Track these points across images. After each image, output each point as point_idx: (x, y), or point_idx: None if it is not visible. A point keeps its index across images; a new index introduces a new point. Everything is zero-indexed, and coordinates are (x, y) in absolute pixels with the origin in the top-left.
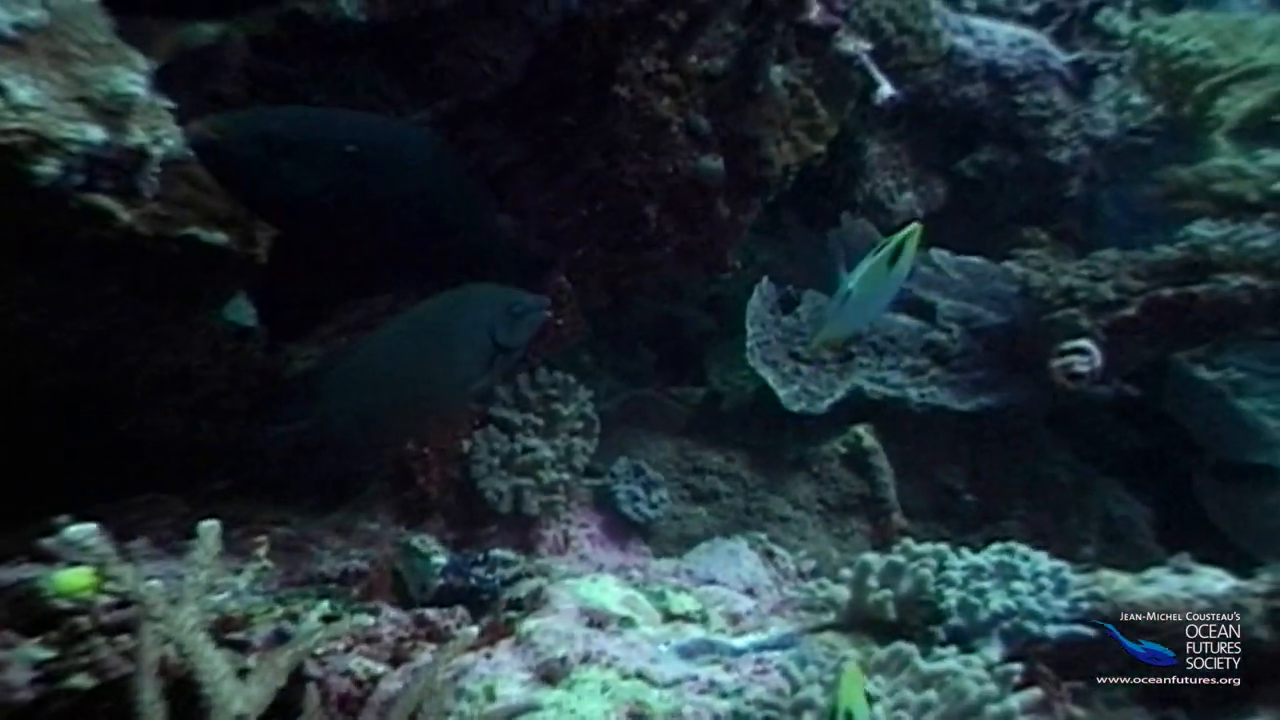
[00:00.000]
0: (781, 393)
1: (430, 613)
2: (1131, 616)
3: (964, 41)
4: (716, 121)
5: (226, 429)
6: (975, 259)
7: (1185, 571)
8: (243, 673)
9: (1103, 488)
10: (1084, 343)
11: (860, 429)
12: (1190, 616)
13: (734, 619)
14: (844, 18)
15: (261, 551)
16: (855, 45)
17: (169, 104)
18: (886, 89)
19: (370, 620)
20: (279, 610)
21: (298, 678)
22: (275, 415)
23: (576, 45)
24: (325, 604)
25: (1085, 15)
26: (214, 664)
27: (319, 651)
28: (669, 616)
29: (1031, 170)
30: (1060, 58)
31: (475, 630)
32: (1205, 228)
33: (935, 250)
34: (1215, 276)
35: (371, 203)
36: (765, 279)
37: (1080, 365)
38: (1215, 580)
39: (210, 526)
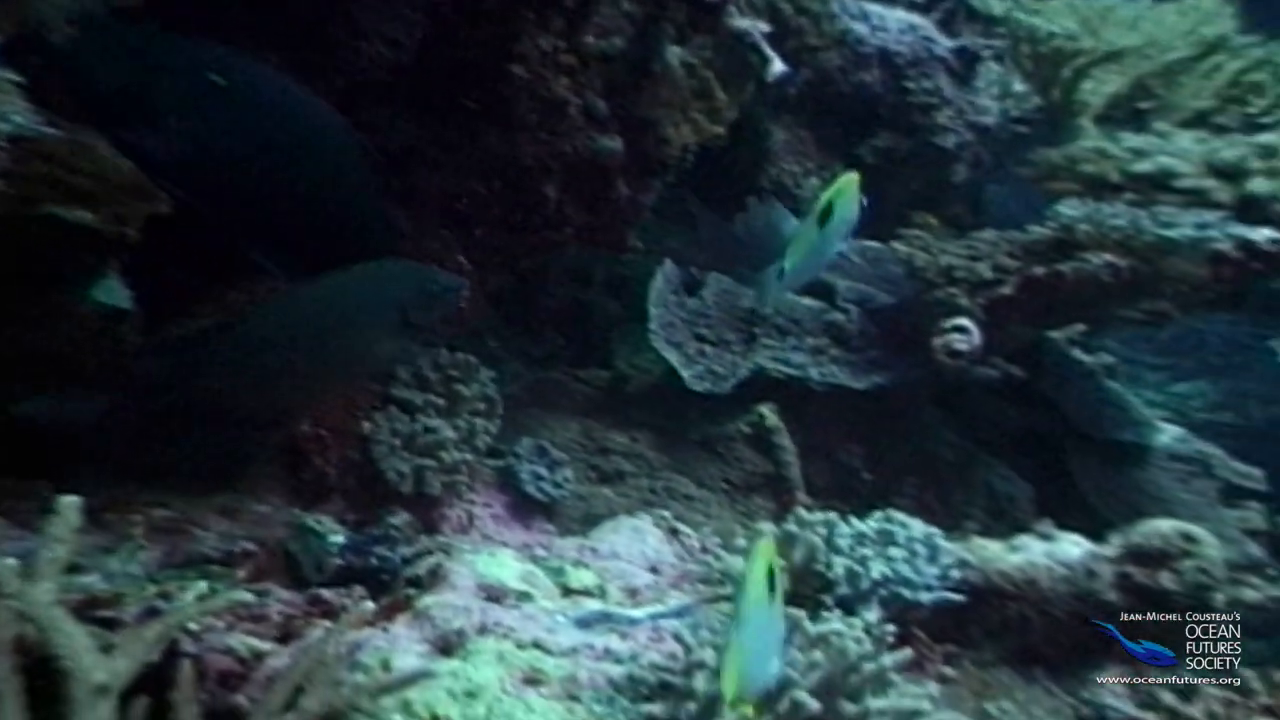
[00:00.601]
0: (685, 373)
1: (325, 592)
2: (998, 581)
3: (860, 27)
4: (614, 102)
5: (98, 411)
6: (873, 243)
7: (1048, 538)
8: (108, 648)
9: (986, 465)
10: (963, 320)
11: (764, 409)
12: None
13: (632, 592)
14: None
15: (136, 531)
16: (749, 23)
17: (16, 78)
18: (778, 65)
19: (249, 596)
20: (152, 590)
21: (172, 653)
22: (150, 382)
23: (474, 24)
24: (204, 584)
25: (968, 1)
26: (73, 637)
27: (194, 628)
28: (567, 591)
29: (922, 156)
30: (945, 44)
31: (371, 605)
32: (1070, 207)
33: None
34: (1080, 255)
35: (238, 148)
36: (668, 261)
37: (959, 343)
38: (1073, 546)
39: (71, 501)
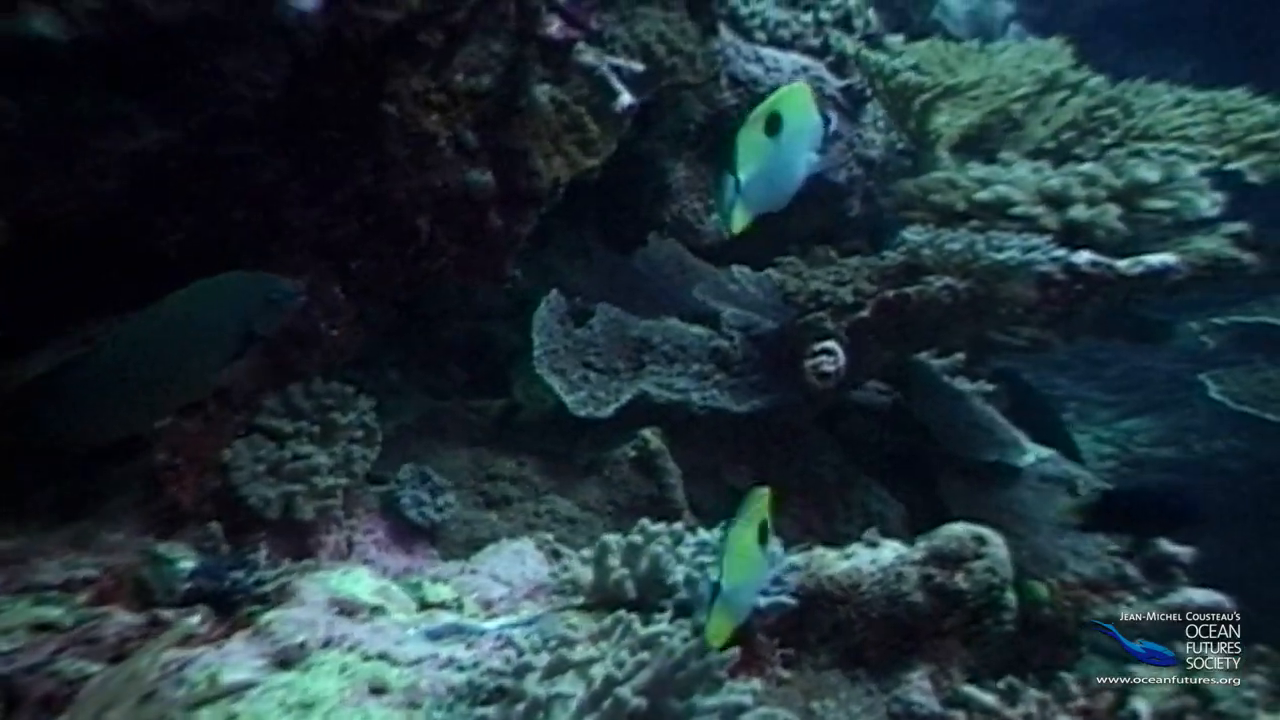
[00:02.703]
0: (568, 399)
1: (166, 613)
2: (828, 587)
3: (755, 69)
4: (484, 136)
5: None
6: (770, 272)
7: (874, 545)
8: None
9: (864, 485)
10: (830, 344)
11: (647, 432)
12: (867, 585)
13: (487, 605)
14: (596, 36)
15: None
16: (596, 59)
17: None
18: (625, 98)
19: (54, 613)
20: None
21: None
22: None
23: (339, 64)
24: (35, 610)
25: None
26: None
27: (5, 649)
28: (425, 605)
29: (816, 191)
30: (834, 83)
31: (196, 619)
32: (914, 233)
33: (736, 267)
34: (924, 278)
35: None
36: (554, 292)
37: (827, 365)
38: (891, 551)
39: None
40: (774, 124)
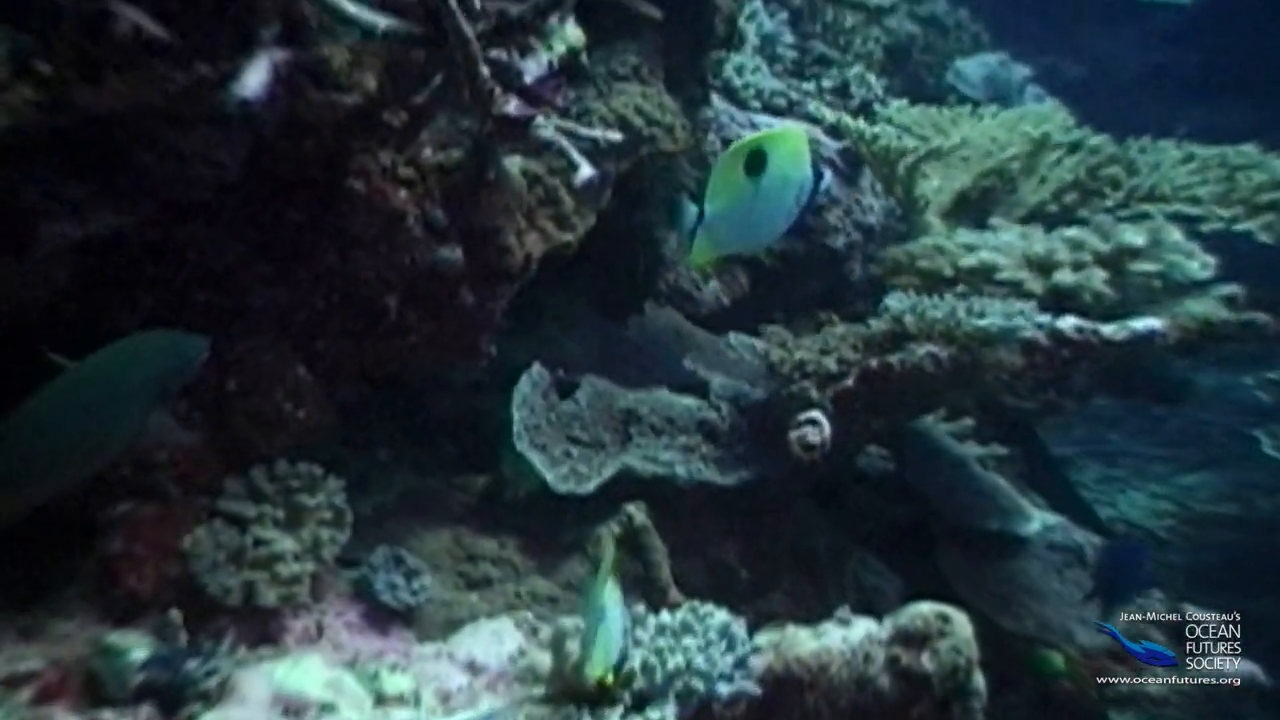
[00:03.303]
0: (549, 475)
1: (107, 713)
2: (796, 669)
3: (749, 133)
4: (454, 212)
5: None
6: (754, 342)
7: (846, 623)
8: None
9: (858, 558)
10: (815, 414)
11: (631, 507)
12: (836, 667)
13: (445, 697)
14: (565, 112)
15: None
16: (556, 131)
17: None
18: (585, 171)
19: None
20: None
21: None
22: None
23: (298, 144)
24: None
25: (857, 111)
26: None
27: None
28: (380, 699)
29: (816, 257)
30: (831, 145)
31: None
32: (897, 299)
33: (734, 334)
34: (907, 346)
35: None
36: (535, 365)
37: (812, 436)
38: (863, 630)
39: None
40: (756, 163)
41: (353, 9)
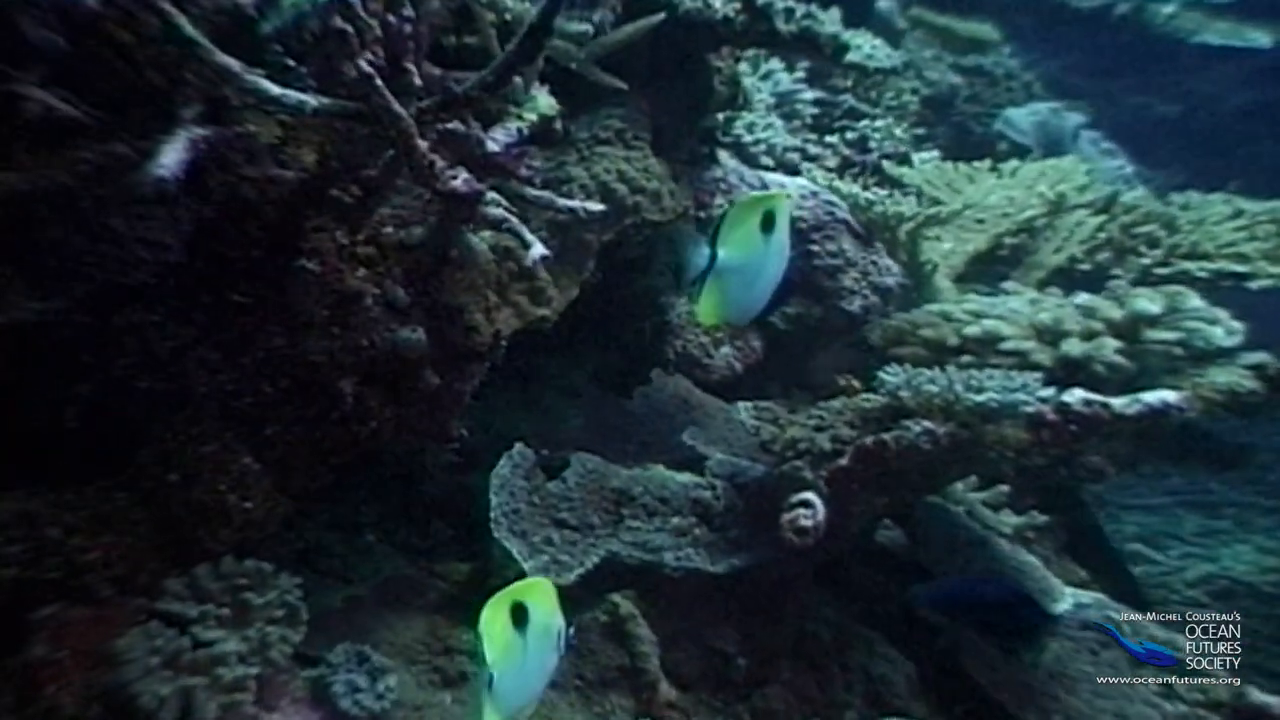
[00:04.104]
0: (528, 565)
1: None
2: None
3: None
4: (417, 291)
5: None
6: (744, 419)
7: None
8: None
9: (866, 644)
10: (808, 495)
11: (617, 597)
12: None
13: None
14: (529, 181)
15: None
16: (507, 209)
17: None
18: (537, 250)
19: None
20: None
21: None
22: None
23: (242, 224)
24: None
25: (874, 168)
26: None
27: None
28: None
29: (832, 321)
30: (845, 206)
31: None
32: (891, 373)
33: (742, 405)
34: (903, 423)
35: None
36: (517, 446)
37: (804, 520)
38: None
39: None
40: (768, 220)
41: (275, 91)
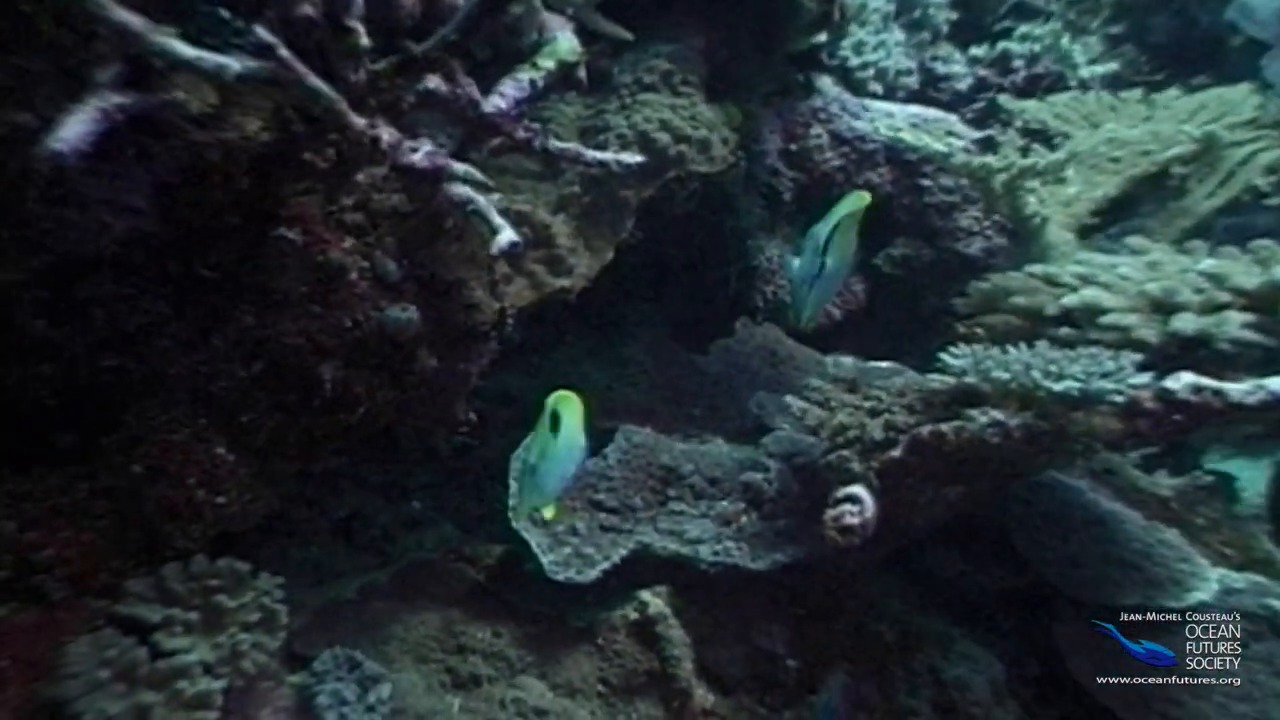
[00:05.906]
0: (546, 559)
1: None
2: None
3: (861, 124)
4: (411, 264)
5: None
6: (884, 364)
7: None
8: None
9: (937, 642)
10: (856, 489)
11: (647, 594)
12: None
13: None
14: (526, 144)
15: None
16: (468, 190)
17: None
18: (506, 235)
19: None
20: None
21: None
22: None
23: (207, 190)
24: None
25: (1023, 88)
26: None
27: None
28: None
29: (945, 264)
30: (967, 134)
31: None
32: (955, 355)
33: (837, 356)
34: (965, 412)
35: None
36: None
37: (850, 517)
38: None
39: None
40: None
41: (188, 53)
